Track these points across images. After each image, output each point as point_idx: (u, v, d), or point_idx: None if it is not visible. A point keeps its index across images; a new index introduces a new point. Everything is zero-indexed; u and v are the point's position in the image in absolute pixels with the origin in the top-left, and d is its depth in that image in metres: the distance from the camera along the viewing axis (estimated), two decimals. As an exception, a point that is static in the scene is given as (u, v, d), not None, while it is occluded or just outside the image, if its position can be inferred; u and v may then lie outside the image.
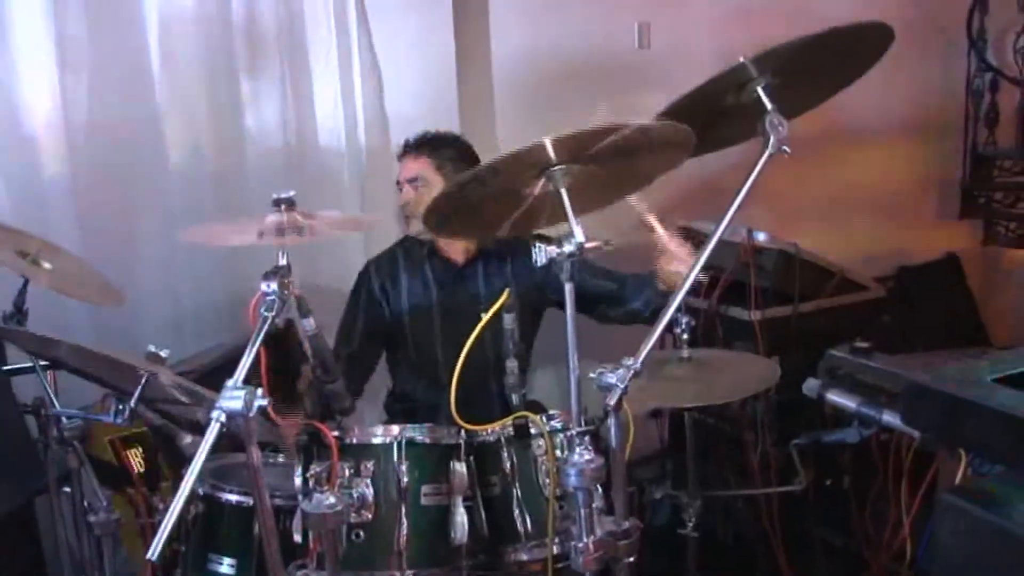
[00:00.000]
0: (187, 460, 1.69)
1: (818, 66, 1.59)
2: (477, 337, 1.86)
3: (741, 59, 1.52)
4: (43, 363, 2.07)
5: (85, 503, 2.08)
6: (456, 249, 2.60)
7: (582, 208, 1.57)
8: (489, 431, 1.97)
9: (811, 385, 1.94)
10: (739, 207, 1.53)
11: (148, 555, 1.29)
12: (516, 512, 1.93)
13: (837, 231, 3.67)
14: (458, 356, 1.86)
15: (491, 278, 2.59)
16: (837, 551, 2.75)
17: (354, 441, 1.90)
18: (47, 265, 2.10)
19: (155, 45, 2.74)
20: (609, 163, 1.58)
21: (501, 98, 3.26)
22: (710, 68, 1.56)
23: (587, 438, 1.57)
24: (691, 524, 2.41)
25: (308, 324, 1.81)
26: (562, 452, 1.90)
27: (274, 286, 1.58)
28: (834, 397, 1.88)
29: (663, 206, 3.12)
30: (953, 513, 1.13)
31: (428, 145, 2.57)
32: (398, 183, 2.59)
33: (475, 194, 1.62)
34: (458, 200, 1.67)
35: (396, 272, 2.62)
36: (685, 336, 2.17)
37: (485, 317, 1.88)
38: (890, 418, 1.73)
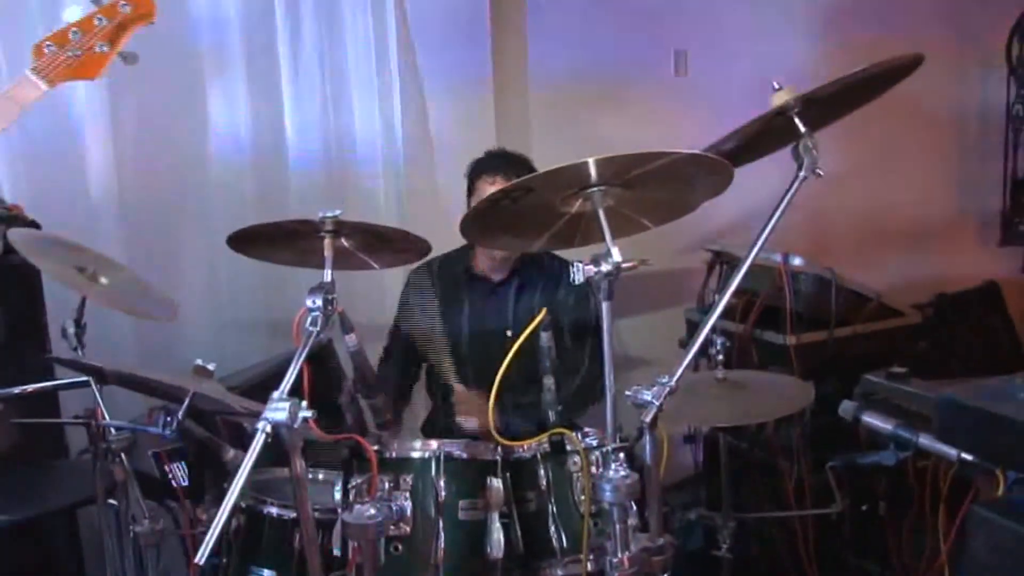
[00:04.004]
0: (231, 474, 1.72)
1: (848, 92, 1.61)
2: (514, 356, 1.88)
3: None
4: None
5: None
6: (493, 265, 2.63)
7: (616, 232, 1.58)
8: (526, 447, 1.99)
9: (847, 407, 1.94)
10: (775, 231, 1.55)
11: (196, 559, 1.33)
12: (552, 528, 1.95)
13: (874, 257, 3.66)
14: (493, 374, 1.88)
15: (522, 297, 2.62)
16: (872, 577, 2.73)
17: (393, 455, 1.93)
18: (104, 280, 2.11)
19: (202, 67, 2.84)
20: (647, 189, 1.60)
21: (537, 123, 3.31)
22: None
23: (622, 455, 1.57)
24: (725, 546, 2.41)
25: (350, 341, 1.85)
26: (597, 469, 1.91)
27: (319, 302, 1.62)
28: (870, 418, 1.88)
29: (698, 230, 3.18)
30: (986, 527, 1.13)
31: (522, 165, 2.55)
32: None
33: (513, 208, 1.63)
34: (497, 211, 1.66)
35: (435, 289, 2.67)
36: (720, 357, 2.19)
37: (521, 336, 1.90)
38: (927, 440, 1.72)
